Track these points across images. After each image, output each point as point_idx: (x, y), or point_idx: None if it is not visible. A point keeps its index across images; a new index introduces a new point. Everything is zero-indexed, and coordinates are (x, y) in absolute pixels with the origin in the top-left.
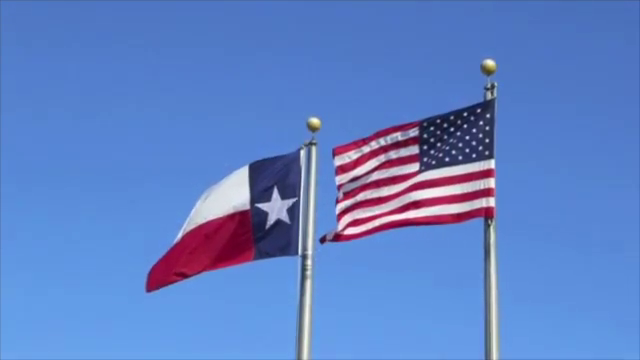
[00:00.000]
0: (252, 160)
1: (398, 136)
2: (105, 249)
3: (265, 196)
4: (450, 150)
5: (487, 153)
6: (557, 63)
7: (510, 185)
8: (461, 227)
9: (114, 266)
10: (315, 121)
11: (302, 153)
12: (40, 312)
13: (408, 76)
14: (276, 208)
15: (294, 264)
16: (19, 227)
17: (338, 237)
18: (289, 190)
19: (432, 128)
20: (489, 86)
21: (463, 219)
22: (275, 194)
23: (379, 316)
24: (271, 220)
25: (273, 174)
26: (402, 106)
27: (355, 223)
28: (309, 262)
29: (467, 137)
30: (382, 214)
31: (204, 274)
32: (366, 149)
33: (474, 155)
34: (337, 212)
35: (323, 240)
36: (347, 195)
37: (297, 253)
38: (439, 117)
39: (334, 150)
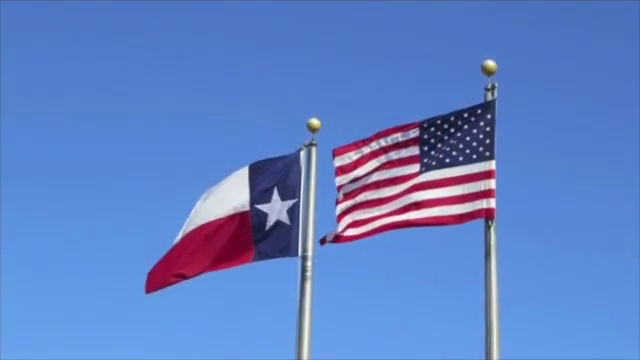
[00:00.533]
0: (252, 161)
1: (398, 137)
2: (105, 249)
3: (265, 197)
4: (451, 151)
5: (488, 154)
6: (557, 63)
7: (511, 186)
8: (461, 228)
9: (114, 266)
10: (315, 122)
11: (302, 154)
12: (40, 312)
13: (408, 76)
14: (276, 209)
15: (294, 265)
16: (19, 227)
17: (338, 238)
18: (289, 191)
19: (432, 129)
20: (490, 87)
21: (464, 220)
22: (275, 195)
23: (379, 316)
24: (271, 221)
25: (273, 175)
26: (402, 106)
27: (355, 224)
28: (309, 263)
29: (468, 138)
30: (382, 215)
31: (204, 275)
32: (366, 150)
33: (475, 156)
34: (337, 213)
35: (323, 241)
36: (347, 196)
37: (297, 254)
38: (439, 118)
39: (334, 151)
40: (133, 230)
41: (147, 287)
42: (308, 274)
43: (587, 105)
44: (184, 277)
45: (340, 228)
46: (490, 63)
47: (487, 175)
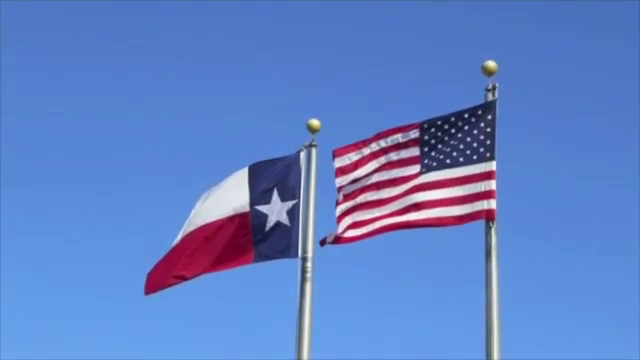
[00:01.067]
0: (252, 161)
1: (398, 138)
2: (105, 249)
3: (265, 198)
4: (451, 152)
5: (488, 155)
6: (558, 63)
7: (511, 186)
8: (462, 228)
9: (114, 266)
10: (315, 123)
11: (302, 155)
12: (40, 312)
13: (408, 77)
14: (276, 210)
15: (294, 266)
16: (19, 227)
17: (338, 239)
18: (289, 192)
19: (433, 130)
20: (490, 87)
21: (464, 221)
22: (275, 196)
23: (379, 316)
24: (271, 222)
25: (273, 176)
26: (402, 107)
27: (355, 225)
28: (309, 264)
29: (468, 139)
30: (382, 216)
31: (203, 276)
32: (366, 151)
33: (475, 157)
34: (337, 214)
35: (323, 242)
36: (347, 197)
37: (297, 255)
38: (440, 118)
39: (334, 152)
40: (133, 230)
41: (146, 288)
42: (308, 275)
43: (587, 105)
44: (184, 278)
45: (340, 229)
46: (491, 63)
47: (488, 176)
